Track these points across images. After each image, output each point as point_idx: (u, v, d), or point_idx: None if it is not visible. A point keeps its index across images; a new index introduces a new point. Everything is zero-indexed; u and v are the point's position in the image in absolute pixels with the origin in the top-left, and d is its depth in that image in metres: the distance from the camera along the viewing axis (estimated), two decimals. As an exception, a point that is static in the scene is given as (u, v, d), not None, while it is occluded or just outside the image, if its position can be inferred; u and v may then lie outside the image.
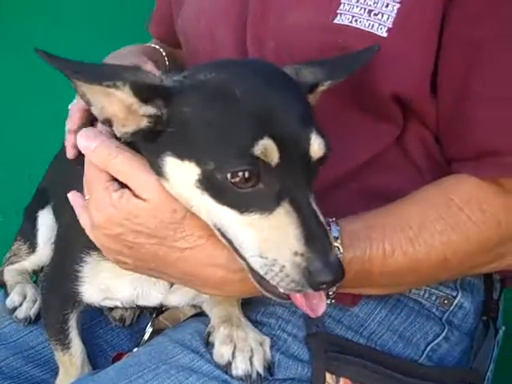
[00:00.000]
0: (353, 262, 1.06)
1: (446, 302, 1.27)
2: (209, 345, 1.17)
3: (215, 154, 0.91)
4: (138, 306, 1.23)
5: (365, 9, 1.12)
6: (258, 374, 1.12)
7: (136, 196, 0.99)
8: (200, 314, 1.29)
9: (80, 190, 1.08)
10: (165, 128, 0.96)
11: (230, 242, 0.96)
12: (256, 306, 1.26)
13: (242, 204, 0.92)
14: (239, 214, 0.92)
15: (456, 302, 1.28)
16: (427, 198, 1.13)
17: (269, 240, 0.91)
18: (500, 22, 1.09)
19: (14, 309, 1.40)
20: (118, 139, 1.01)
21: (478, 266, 1.16)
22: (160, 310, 1.33)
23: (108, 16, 2.31)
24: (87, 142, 1.02)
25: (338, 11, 1.14)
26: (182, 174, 0.95)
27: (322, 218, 0.93)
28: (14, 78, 2.34)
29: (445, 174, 1.16)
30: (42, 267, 1.48)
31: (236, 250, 0.95)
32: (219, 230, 0.96)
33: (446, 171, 1.17)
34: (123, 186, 1.01)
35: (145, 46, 1.56)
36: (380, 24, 1.12)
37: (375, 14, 1.12)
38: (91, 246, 1.11)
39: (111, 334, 1.44)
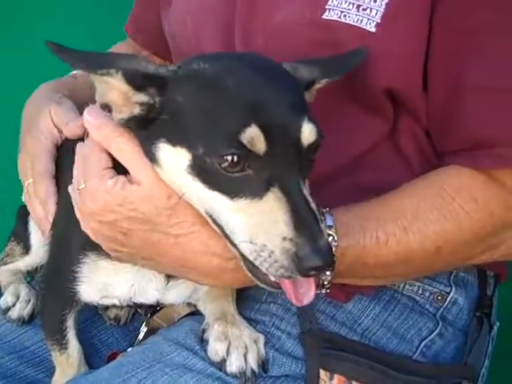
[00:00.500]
0: (348, 250, 1.06)
1: (439, 298, 1.27)
2: (203, 342, 1.17)
3: (205, 139, 0.93)
4: (135, 304, 1.23)
5: (353, 4, 1.13)
6: (252, 370, 1.12)
7: (131, 182, 1.01)
8: (194, 313, 1.29)
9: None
10: (158, 115, 0.98)
11: (221, 228, 0.96)
12: (250, 303, 1.26)
13: (232, 189, 0.93)
14: (230, 199, 0.93)
15: (450, 298, 1.28)
16: (420, 188, 1.13)
17: (258, 225, 0.92)
18: (492, 11, 1.09)
19: (8, 309, 1.40)
20: None
21: (471, 256, 1.16)
22: (155, 309, 1.33)
23: (108, 16, 2.31)
24: (93, 119, 1.04)
25: (327, 6, 1.14)
26: (174, 159, 0.96)
27: (313, 205, 0.93)
28: (13, 77, 2.34)
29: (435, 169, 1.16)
30: (36, 268, 1.48)
31: (227, 237, 0.96)
32: (211, 216, 0.97)
33: (437, 167, 1.16)
34: (119, 174, 1.03)
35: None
36: (369, 19, 1.12)
37: (364, 9, 1.12)
38: (88, 247, 1.12)
39: (106, 333, 1.44)
